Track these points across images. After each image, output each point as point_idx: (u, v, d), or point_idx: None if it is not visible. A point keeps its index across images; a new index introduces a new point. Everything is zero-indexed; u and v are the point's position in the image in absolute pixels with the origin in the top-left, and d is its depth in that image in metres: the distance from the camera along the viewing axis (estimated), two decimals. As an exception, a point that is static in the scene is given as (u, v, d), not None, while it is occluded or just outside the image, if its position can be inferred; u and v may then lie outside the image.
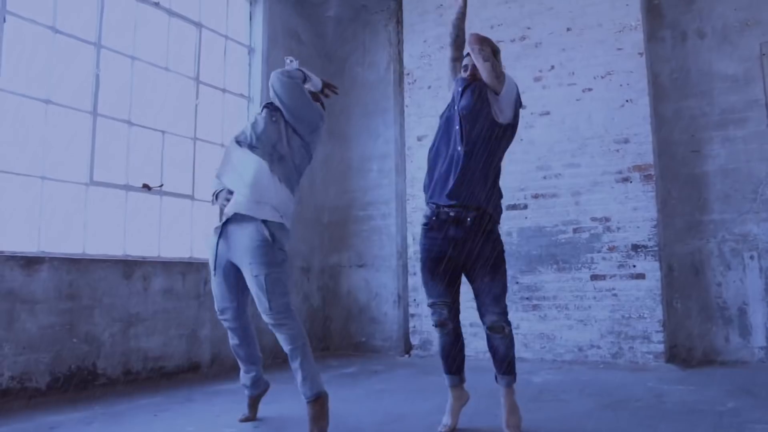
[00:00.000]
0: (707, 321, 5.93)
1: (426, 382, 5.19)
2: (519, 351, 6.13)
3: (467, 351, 6.39)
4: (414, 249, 6.80)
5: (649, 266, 5.75)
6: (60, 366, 4.58)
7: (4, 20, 4.43)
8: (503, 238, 6.22)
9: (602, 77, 6.07)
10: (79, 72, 5.05)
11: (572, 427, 3.56)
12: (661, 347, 5.63)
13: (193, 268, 5.70)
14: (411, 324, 6.81)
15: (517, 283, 6.24)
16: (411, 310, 6.82)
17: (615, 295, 5.85)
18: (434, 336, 6.57)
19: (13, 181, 4.55)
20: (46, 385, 4.48)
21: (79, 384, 4.68)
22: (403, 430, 3.58)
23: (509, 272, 6.23)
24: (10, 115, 4.54)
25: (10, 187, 4.53)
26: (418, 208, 6.81)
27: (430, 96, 6.85)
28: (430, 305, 3.53)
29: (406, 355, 6.76)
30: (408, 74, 7.04)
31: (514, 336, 6.01)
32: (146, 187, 5.43)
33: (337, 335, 7.29)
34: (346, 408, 4.17)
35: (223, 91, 6.42)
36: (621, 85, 5.97)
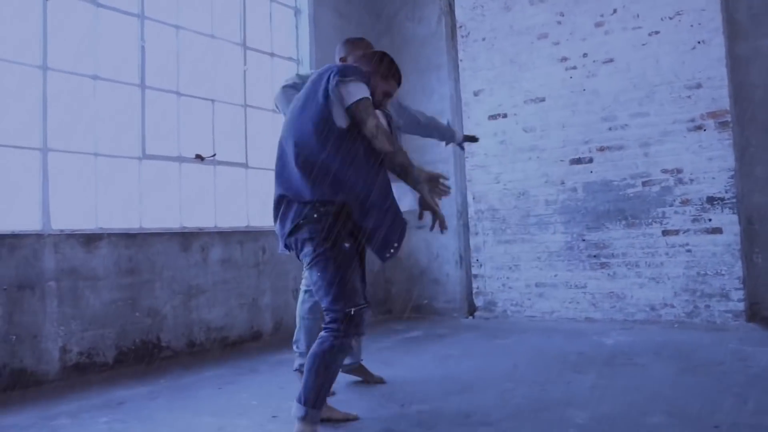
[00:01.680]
0: (790, 275, 5.58)
1: (492, 346, 5.04)
2: (588, 311, 5.95)
3: (532, 312, 6.26)
4: (475, 208, 6.60)
5: (727, 220, 5.40)
6: (125, 340, 4.60)
7: (47, -4, 4.35)
8: (568, 192, 6.07)
9: (670, 18, 5.65)
10: (125, 45, 4.96)
11: (651, 394, 3.35)
12: (741, 306, 5.32)
13: (250, 236, 5.64)
14: (474, 285, 6.64)
15: (584, 240, 5.99)
16: (474, 271, 6.64)
17: (689, 251, 5.54)
18: (499, 297, 6.44)
19: (67, 160, 4.52)
20: (113, 359, 4.51)
21: (144, 357, 4.70)
22: (473, 399, 3.43)
23: (575, 229, 6.06)
24: (59, 94, 4.49)
25: (66, 166, 4.51)
26: (477, 166, 6.59)
27: (484, 49, 6.55)
28: (360, 309, 2.75)
29: (470, 317, 6.61)
30: (461, 27, 6.74)
31: (583, 295, 5.86)
32: (199, 158, 5.35)
33: (399, 298, 7.17)
34: (412, 375, 4.07)
35: (271, 55, 6.26)
36: (692, 26, 5.55)
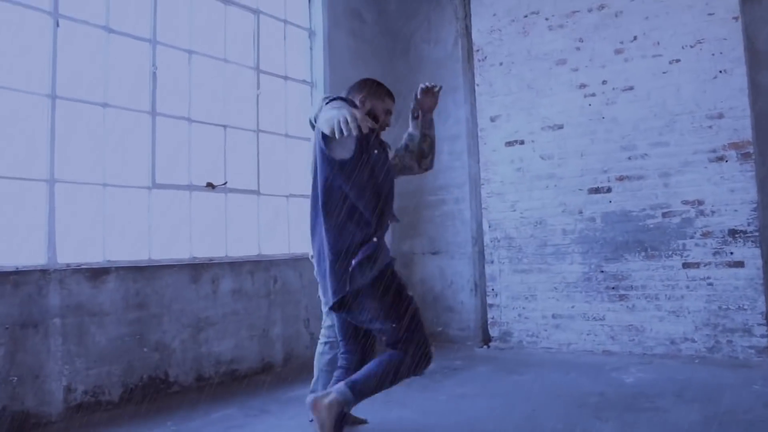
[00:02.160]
0: (814, 309, 5.42)
1: (508, 383, 4.89)
2: (606, 344, 5.81)
3: (549, 343, 6.11)
4: (491, 236, 6.47)
5: (749, 253, 5.26)
6: (132, 377, 4.48)
7: (58, 25, 4.26)
8: (586, 222, 5.94)
9: (691, 46, 5.53)
10: (135, 71, 4.87)
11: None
12: (764, 341, 5.17)
13: (261, 266, 5.53)
14: (489, 315, 6.50)
15: (602, 271, 5.85)
16: (489, 300, 6.51)
17: (710, 284, 5.40)
18: (515, 328, 6.30)
19: (75, 191, 4.41)
20: (119, 397, 4.39)
21: (152, 394, 4.58)
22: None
23: (593, 260, 5.92)
24: (68, 123, 4.39)
25: (73, 197, 4.40)
26: (493, 193, 6.47)
27: (501, 73, 6.44)
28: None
29: (485, 346, 6.47)
30: (478, 51, 6.63)
31: (601, 327, 5.73)
32: (210, 186, 5.25)
33: (410, 325, 7.03)
34: (426, 421, 3.93)
35: (285, 78, 6.17)
36: (713, 55, 5.42)
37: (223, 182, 5.34)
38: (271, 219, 5.78)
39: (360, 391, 2.85)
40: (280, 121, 6.05)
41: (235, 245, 5.46)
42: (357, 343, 3.23)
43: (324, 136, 2.83)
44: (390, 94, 3.25)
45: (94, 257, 4.46)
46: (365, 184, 2.93)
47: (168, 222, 4.97)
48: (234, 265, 5.31)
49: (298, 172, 6.14)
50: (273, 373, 5.46)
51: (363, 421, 3.73)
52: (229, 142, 5.48)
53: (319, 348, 3.64)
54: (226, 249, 5.39)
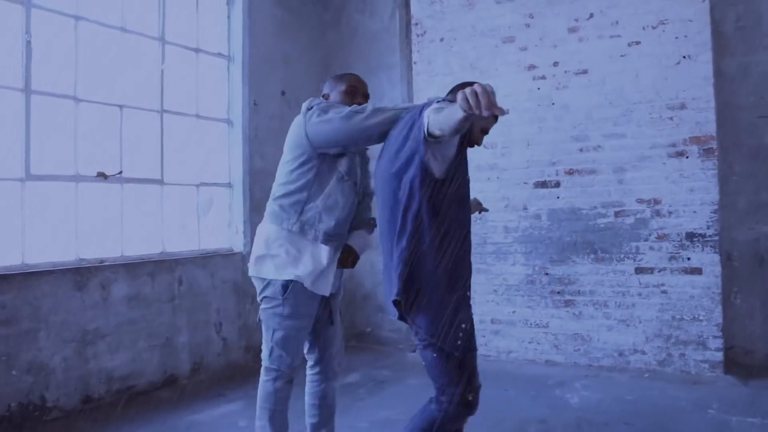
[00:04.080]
0: (773, 319, 5.03)
1: (440, 407, 4.34)
2: (549, 353, 5.31)
3: (487, 350, 5.59)
4: (426, 231, 5.87)
5: (708, 259, 4.80)
6: (-4, 406, 3.78)
7: None
8: (530, 219, 5.39)
9: (653, 27, 4.96)
10: (3, 40, 4.05)
11: None
12: (719, 356, 4.75)
13: (164, 266, 4.84)
14: (423, 316, 5.93)
15: (547, 274, 5.33)
16: (423, 301, 5.94)
17: (664, 292, 4.93)
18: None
19: None
20: (-22, 431, 3.69)
21: (23, 423, 3.89)
22: None
23: (537, 261, 5.39)
24: None
25: None
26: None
27: (442, 51, 5.77)
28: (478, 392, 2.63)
29: (416, 351, 5.90)
30: (416, 24, 5.94)
31: (544, 335, 5.23)
32: (102, 176, 4.51)
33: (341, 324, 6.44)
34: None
35: (197, 51, 5.39)
36: (677, 38, 4.88)
37: (118, 171, 4.60)
38: (177, 212, 5.06)
39: None
40: (191, 100, 5.30)
41: (132, 244, 4.74)
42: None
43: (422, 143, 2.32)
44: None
45: (-53, 266, 3.72)
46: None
47: (47, 220, 4.23)
48: (130, 267, 4.60)
49: (211, 157, 5.44)
50: (177, 387, 4.81)
51: None
52: (127, 125, 4.72)
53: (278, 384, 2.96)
54: (122, 248, 4.67)
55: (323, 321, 3.03)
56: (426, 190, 2.37)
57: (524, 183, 5.43)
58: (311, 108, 2.79)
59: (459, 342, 2.42)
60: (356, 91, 2.93)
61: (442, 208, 2.42)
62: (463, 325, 2.45)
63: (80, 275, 4.27)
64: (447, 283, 2.45)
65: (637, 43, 5.02)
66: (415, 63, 5.94)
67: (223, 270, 5.37)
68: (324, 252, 2.83)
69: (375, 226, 2.94)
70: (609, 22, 5.11)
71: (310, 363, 3.12)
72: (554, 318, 5.30)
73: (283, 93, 6.09)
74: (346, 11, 6.52)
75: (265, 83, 5.88)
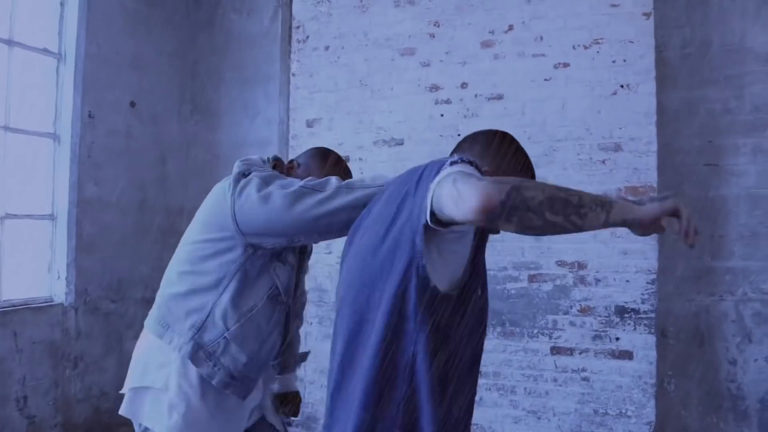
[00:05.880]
0: (711, 413, 4.15)
1: None
2: (440, 451, 4.23)
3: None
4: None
5: (641, 341, 3.85)
6: None
7: None
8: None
9: (585, 47, 4.01)
10: None
11: None
12: (651, 465, 3.77)
13: None
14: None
15: (443, 348, 4.25)
16: (290, 372, 4.79)
17: (586, 379, 3.96)
18: (320, 412, 4.59)
19: None
20: None
21: None
22: None
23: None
24: None
25: None
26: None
27: (327, 61, 4.65)
28: None
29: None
30: (298, 27, 4.79)
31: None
32: None
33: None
34: None
35: (9, 43, 4.07)
36: (614, 61, 3.94)
37: None
38: None
39: None
40: None
41: None
42: None
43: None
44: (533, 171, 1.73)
45: None
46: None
47: None
48: None
49: (28, 181, 4.18)
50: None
51: None
52: None
53: None
54: None
55: None
56: (423, 311, 1.43)
57: (419, 232, 4.35)
58: (247, 175, 1.87)
59: None
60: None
61: (445, 341, 1.50)
62: None
63: None
64: None
65: (566, 65, 4.05)
66: (293, 75, 4.78)
67: (32, 328, 4.11)
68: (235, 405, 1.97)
69: (304, 360, 2.39)
70: (532, 36, 4.12)
71: None
72: (449, 405, 4.22)
73: (132, 104, 4.88)
74: (221, 8, 5.34)
75: (107, 90, 4.69)
